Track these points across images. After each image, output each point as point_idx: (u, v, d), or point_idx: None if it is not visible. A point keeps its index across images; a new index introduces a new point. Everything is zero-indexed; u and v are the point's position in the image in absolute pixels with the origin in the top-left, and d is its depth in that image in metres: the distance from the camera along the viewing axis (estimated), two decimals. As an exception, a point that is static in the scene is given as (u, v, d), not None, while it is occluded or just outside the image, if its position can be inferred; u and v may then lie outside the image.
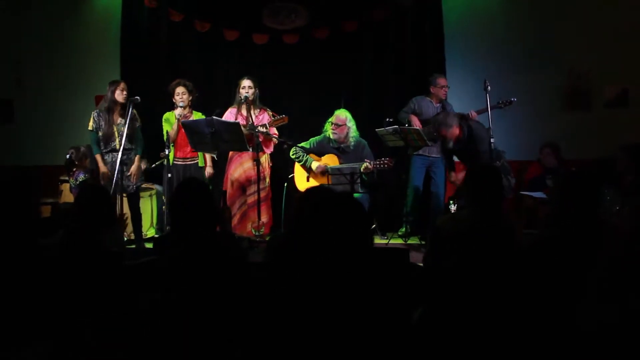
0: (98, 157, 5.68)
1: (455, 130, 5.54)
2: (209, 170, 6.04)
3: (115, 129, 5.62)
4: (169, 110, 5.99)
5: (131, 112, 5.50)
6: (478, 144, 5.51)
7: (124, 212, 5.84)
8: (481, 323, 2.64)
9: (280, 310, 2.31)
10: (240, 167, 5.91)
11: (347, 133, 6.03)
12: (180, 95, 5.83)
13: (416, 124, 6.03)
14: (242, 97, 5.78)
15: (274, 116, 5.78)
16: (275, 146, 6.02)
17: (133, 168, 5.72)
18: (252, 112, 5.83)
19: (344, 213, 2.48)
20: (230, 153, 5.96)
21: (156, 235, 6.32)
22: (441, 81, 6.21)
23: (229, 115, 5.91)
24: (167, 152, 5.59)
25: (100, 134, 5.65)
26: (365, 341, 2.22)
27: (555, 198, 2.98)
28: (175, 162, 5.87)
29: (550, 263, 2.68)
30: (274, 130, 5.86)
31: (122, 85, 5.70)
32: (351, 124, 6.04)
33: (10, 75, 7.58)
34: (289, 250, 2.56)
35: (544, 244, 2.79)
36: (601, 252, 2.51)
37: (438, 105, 6.26)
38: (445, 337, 2.64)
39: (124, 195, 5.76)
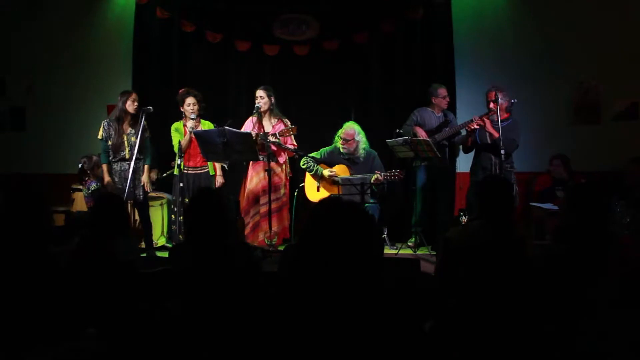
0: (104, 166, 5.76)
1: (506, 106, 5.81)
2: (219, 180, 6.05)
3: (125, 139, 5.67)
4: (179, 120, 6.03)
5: (143, 123, 5.56)
6: (513, 130, 5.74)
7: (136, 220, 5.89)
8: (493, 334, 2.66)
9: (293, 320, 2.32)
10: (257, 176, 5.97)
11: (357, 146, 6.06)
12: (191, 106, 5.82)
13: (422, 134, 6.07)
14: (255, 108, 5.85)
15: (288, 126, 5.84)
16: (291, 156, 6.08)
17: (144, 178, 5.77)
18: (267, 121, 5.92)
19: (355, 224, 2.50)
20: (250, 163, 6.01)
21: (167, 244, 6.35)
22: (442, 91, 6.29)
23: (249, 124, 5.99)
24: (179, 162, 5.64)
25: (109, 143, 5.72)
26: (378, 352, 2.23)
27: (566, 211, 2.98)
28: (185, 171, 5.87)
29: (562, 277, 2.69)
30: (291, 141, 5.91)
31: (133, 95, 5.75)
32: (360, 136, 6.07)
33: (22, 84, 7.66)
34: (302, 262, 2.58)
35: (556, 258, 2.79)
36: (610, 268, 2.52)
37: (440, 114, 6.32)
38: (456, 348, 2.65)
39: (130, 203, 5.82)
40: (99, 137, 5.77)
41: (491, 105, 5.75)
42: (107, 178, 5.72)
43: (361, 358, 2.20)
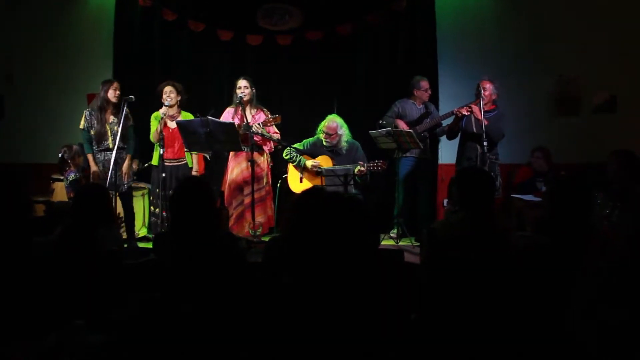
0: (90, 156, 5.70)
1: (493, 98, 5.87)
2: (194, 174, 6.01)
3: (108, 128, 5.62)
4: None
5: (125, 111, 5.51)
6: (500, 120, 5.82)
7: (118, 211, 5.83)
8: (478, 326, 2.68)
9: (279, 310, 2.33)
10: (238, 167, 5.95)
11: (339, 140, 6.07)
12: (168, 93, 5.81)
13: (402, 127, 6.09)
14: (237, 98, 5.81)
15: (269, 116, 5.82)
16: (275, 146, 6.06)
17: (124, 167, 5.72)
18: (248, 112, 5.86)
19: (342, 215, 2.50)
20: (231, 153, 5.97)
21: (148, 235, 6.31)
22: (424, 84, 6.34)
23: (227, 115, 5.96)
24: (161, 152, 5.59)
25: (92, 132, 5.66)
26: (364, 342, 2.24)
27: (549, 203, 3.01)
28: (165, 163, 5.80)
29: (543, 269, 2.72)
30: (274, 129, 5.89)
31: (115, 84, 5.70)
32: (342, 130, 6.07)
33: (1, 72, 7.54)
34: (287, 252, 2.57)
35: (538, 250, 2.83)
36: (590, 259, 2.55)
37: (421, 106, 6.35)
38: (441, 340, 2.67)
39: (116, 194, 5.74)
40: (81, 127, 5.71)
41: (484, 93, 5.74)
42: (93, 168, 5.65)
43: (349, 347, 2.21)
